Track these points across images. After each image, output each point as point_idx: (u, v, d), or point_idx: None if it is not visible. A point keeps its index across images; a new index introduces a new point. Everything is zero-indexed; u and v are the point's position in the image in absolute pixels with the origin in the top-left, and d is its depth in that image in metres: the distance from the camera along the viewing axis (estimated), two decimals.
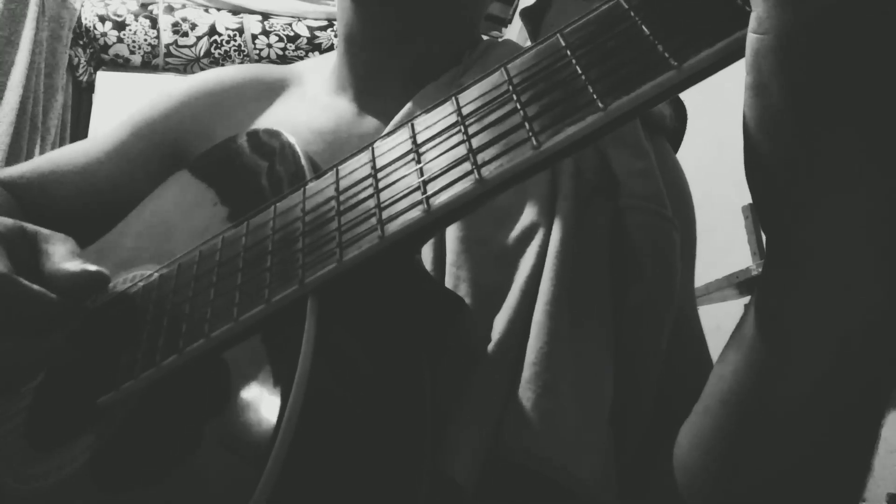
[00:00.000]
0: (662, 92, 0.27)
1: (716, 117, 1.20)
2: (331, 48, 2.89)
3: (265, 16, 2.84)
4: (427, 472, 0.32)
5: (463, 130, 0.31)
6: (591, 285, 0.46)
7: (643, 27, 0.28)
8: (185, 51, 2.81)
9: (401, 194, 0.32)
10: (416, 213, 0.31)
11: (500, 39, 0.68)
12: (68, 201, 0.62)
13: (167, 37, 2.77)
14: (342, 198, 0.35)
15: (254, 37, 2.82)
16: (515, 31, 2.71)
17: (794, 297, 0.29)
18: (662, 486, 0.41)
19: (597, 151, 0.52)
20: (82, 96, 2.81)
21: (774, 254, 0.30)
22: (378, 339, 0.36)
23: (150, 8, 2.75)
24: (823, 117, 0.24)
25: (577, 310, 0.44)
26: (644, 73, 0.27)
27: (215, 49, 2.81)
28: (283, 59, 2.86)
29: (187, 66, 2.86)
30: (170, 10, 2.76)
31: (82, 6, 2.68)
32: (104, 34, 2.76)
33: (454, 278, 0.44)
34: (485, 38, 0.65)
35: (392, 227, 0.31)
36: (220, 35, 2.80)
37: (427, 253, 0.46)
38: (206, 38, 2.79)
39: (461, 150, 0.31)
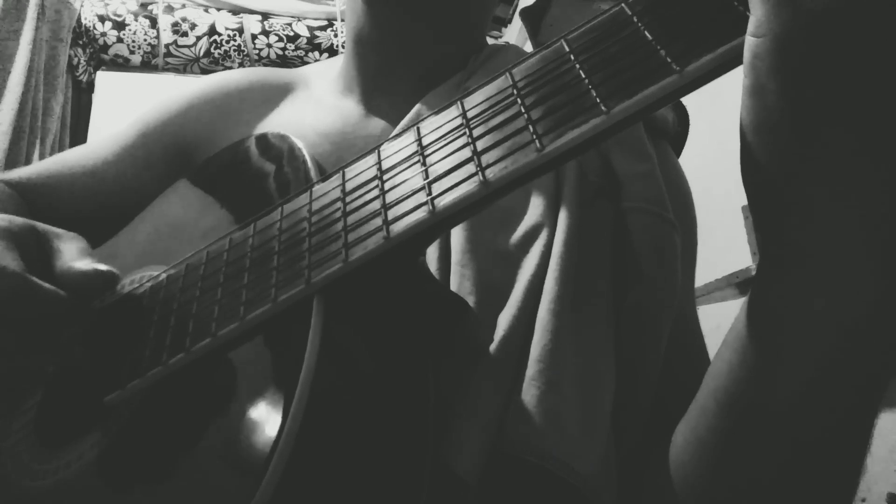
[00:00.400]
0: (664, 96, 0.27)
1: (716, 118, 1.20)
2: (331, 48, 2.89)
3: (265, 16, 2.83)
4: (430, 472, 0.32)
5: (468, 133, 0.32)
6: (593, 285, 0.46)
7: (646, 33, 0.28)
8: (185, 51, 2.81)
9: (406, 196, 0.33)
10: (421, 214, 0.31)
11: (500, 40, 0.69)
12: (77, 203, 0.62)
13: (167, 37, 2.77)
14: (348, 199, 0.35)
15: (253, 37, 2.82)
16: (515, 31, 2.71)
17: (787, 298, 0.29)
18: (657, 485, 0.41)
19: (600, 154, 0.52)
20: (82, 96, 2.81)
21: (768, 254, 0.30)
22: (382, 340, 0.36)
23: (149, 8, 2.75)
24: (819, 119, 0.24)
25: (580, 309, 0.44)
26: (646, 77, 0.27)
27: (215, 49, 2.81)
28: (283, 59, 2.86)
29: (187, 65, 2.86)
30: (169, 9, 2.76)
31: (82, 6, 2.68)
32: (104, 34, 2.75)
33: (459, 277, 0.45)
34: (488, 41, 0.66)
35: (397, 227, 0.32)
36: (219, 35, 2.80)
37: (432, 252, 0.47)
38: (205, 38, 2.79)
39: (466, 153, 0.31)
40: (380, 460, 0.32)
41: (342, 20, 0.62)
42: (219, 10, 2.81)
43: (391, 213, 0.32)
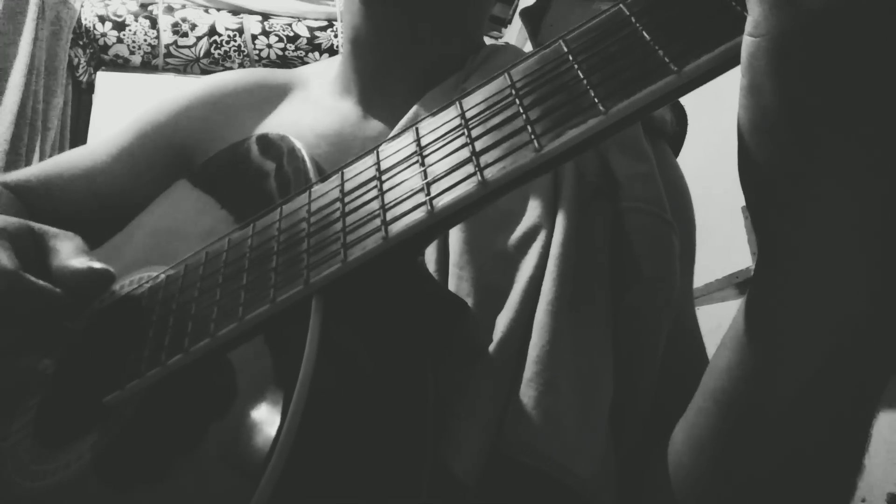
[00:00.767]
0: (663, 96, 0.27)
1: (715, 118, 1.20)
2: (331, 48, 2.89)
3: (265, 16, 2.84)
4: (429, 472, 0.32)
5: (466, 133, 0.32)
6: (591, 286, 0.46)
7: (644, 33, 0.28)
8: (185, 51, 2.81)
9: (405, 196, 0.33)
10: (419, 214, 0.31)
11: (499, 40, 0.69)
12: (74, 204, 0.62)
13: (167, 37, 2.77)
14: (347, 199, 0.35)
15: (253, 37, 2.82)
16: (515, 31, 2.71)
17: (784, 298, 0.29)
18: (656, 485, 0.41)
19: (598, 155, 0.52)
20: (82, 96, 2.81)
21: (765, 254, 0.30)
22: (381, 340, 0.36)
23: (149, 8, 2.75)
24: (816, 121, 0.24)
25: (578, 310, 0.44)
26: (645, 77, 0.27)
27: (215, 49, 2.81)
28: (283, 60, 2.86)
29: (187, 66, 2.86)
30: (170, 10, 2.76)
31: (82, 6, 2.68)
32: (104, 34, 2.76)
33: (457, 278, 0.45)
34: (485, 39, 0.66)
35: (396, 228, 0.32)
36: (219, 35, 2.80)
37: (430, 254, 0.47)
38: (205, 39, 2.79)
39: (464, 153, 0.31)
40: (379, 460, 0.32)
41: (342, 21, 0.62)
42: (219, 10, 2.81)
43: (390, 214, 0.32)
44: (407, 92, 0.58)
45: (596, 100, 0.28)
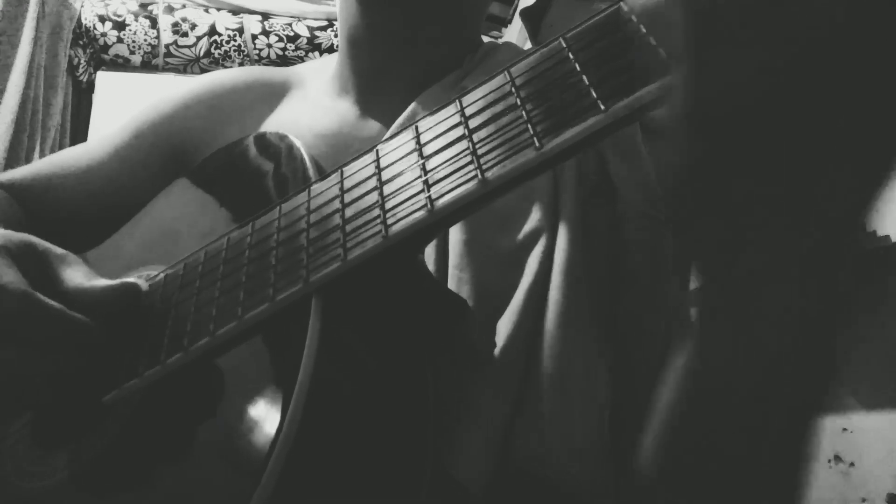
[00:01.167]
0: (663, 94, 0.27)
1: None
2: (331, 48, 2.89)
3: (265, 16, 2.83)
4: (430, 471, 0.32)
5: (466, 132, 0.32)
6: (595, 292, 0.46)
7: (643, 30, 0.28)
8: (185, 51, 2.81)
9: (404, 195, 0.32)
10: (419, 213, 0.31)
11: (499, 40, 0.68)
12: (71, 203, 0.62)
13: (167, 37, 2.77)
14: (346, 198, 0.35)
15: (254, 37, 2.82)
16: (515, 32, 2.71)
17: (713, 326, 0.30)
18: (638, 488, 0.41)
19: (597, 153, 0.52)
20: (82, 96, 2.81)
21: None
22: (381, 339, 0.36)
23: (149, 8, 2.75)
24: (713, 186, 0.24)
25: (584, 318, 0.44)
26: (645, 75, 0.27)
27: (215, 49, 2.81)
28: (283, 59, 2.86)
29: (187, 66, 2.86)
30: (170, 10, 2.76)
31: (82, 6, 2.68)
32: (104, 34, 2.75)
33: (456, 280, 0.45)
34: (485, 39, 0.66)
35: (396, 226, 0.32)
36: (219, 35, 2.80)
37: (430, 255, 0.47)
38: (205, 39, 2.79)
39: (465, 152, 0.31)
40: (378, 459, 0.32)
41: (339, 19, 0.62)
42: (219, 10, 2.81)
43: (389, 213, 0.32)
44: (404, 91, 0.57)
45: (596, 98, 0.28)
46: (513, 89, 0.31)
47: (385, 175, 0.34)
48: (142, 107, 0.67)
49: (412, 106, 0.54)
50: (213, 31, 2.78)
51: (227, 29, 2.80)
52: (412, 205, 0.32)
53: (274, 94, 0.64)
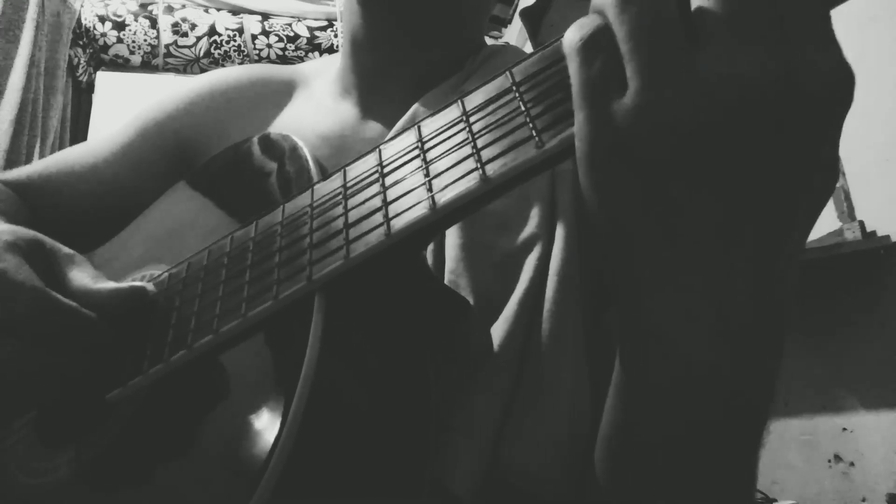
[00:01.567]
0: None
1: None
2: (331, 48, 2.89)
3: (265, 16, 2.84)
4: (431, 470, 0.32)
5: (468, 131, 0.32)
6: (588, 300, 0.47)
7: None
8: (185, 51, 2.81)
9: (407, 193, 0.33)
10: (421, 210, 0.31)
11: (500, 40, 0.69)
12: (76, 201, 0.62)
13: (167, 37, 2.77)
14: (350, 197, 0.35)
15: (253, 37, 2.82)
16: (515, 32, 2.71)
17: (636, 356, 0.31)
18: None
19: None
20: (82, 96, 2.81)
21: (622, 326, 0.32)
22: (384, 336, 0.36)
23: (149, 8, 2.75)
24: (619, 220, 0.26)
25: (577, 327, 0.45)
26: None
27: (215, 49, 2.81)
28: (283, 60, 2.86)
29: (187, 66, 2.86)
30: (169, 10, 2.76)
31: (82, 6, 2.68)
32: (104, 34, 2.76)
33: (453, 285, 0.45)
34: (488, 41, 0.66)
35: (398, 224, 0.32)
36: (219, 35, 2.80)
37: (427, 259, 0.47)
38: (205, 39, 2.79)
39: (467, 150, 0.31)
40: (380, 458, 0.32)
41: (342, 20, 0.62)
42: (219, 10, 2.81)
43: (392, 210, 0.32)
44: (406, 94, 0.58)
45: None
46: (514, 89, 0.31)
47: (388, 175, 0.35)
48: (146, 105, 0.67)
49: (414, 108, 0.54)
50: (212, 31, 2.78)
51: (226, 29, 2.80)
52: (415, 203, 0.32)
53: (278, 93, 0.64)
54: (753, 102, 0.22)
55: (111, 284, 0.39)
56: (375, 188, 0.35)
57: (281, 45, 2.85)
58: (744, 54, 0.23)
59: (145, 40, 2.77)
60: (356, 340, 0.35)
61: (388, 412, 0.33)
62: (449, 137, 0.33)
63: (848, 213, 1.55)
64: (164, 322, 0.38)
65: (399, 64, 0.59)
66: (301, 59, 2.85)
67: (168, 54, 2.81)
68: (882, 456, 1.44)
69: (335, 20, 2.84)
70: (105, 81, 2.83)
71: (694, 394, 0.29)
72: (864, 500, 1.46)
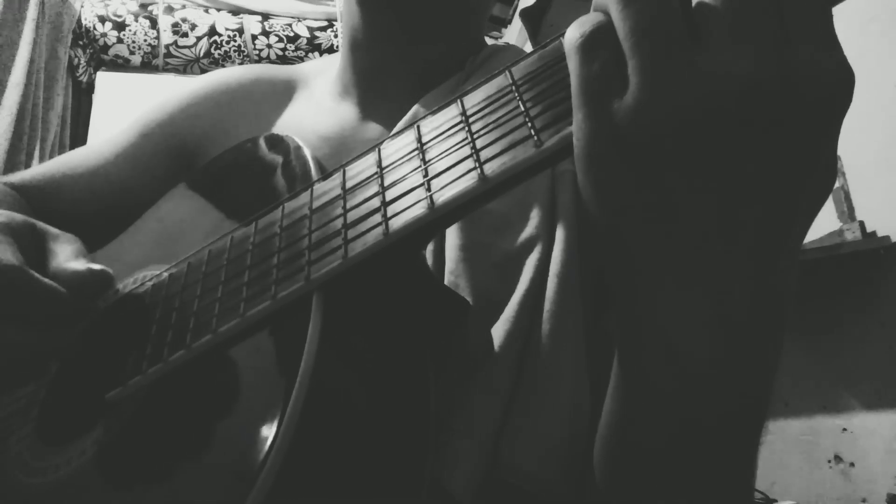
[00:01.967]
0: None
1: None
2: (331, 48, 2.89)
3: (265, 16, 2.84)
4: (430, 471, 0.32)
5: (467, 130, 0.32)
6: (588, 302, 0.47)
7: None
8: (185, 51, 2.81)
9: (405, 192, 0.33)
10: (420, 210, 0.31)
11: (500, 40, 0.69)
12: (78, 203, 0.62)
13: (167, 37, 2.77)
14: (349, 196, 0.35)
15: (254, 37, 2.82)
16: (515, 32, 2.71)
17: (633, 359, 0.31)
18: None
19: None
20: (82, 97, 2.81)
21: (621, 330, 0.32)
22: (383, 337, 0.36)
23: (149, 8, 2.75)
24: (618, 217, 0.26)
25: (577, 328, 0.45)
26: None
27: (215, 49, 2.82)
28: (283, 60, 2.86)
29: (187, 66, 2.86)
30: (170, 10, 2.76)
31: (82, 6, 2.68)
32: (104, 35, 2.76)
33: (453, 286, 0.45)
34: (488, 41, 0.66)
35: (396, 223, 0.32)
36: (219, 35, 2.80)
37: (427, 260, 0.47)
38: (205, 39, 2.79)
39: (465, 149, 0.31)
40: (379, 458, 0.32)
41: (342, 21, 0.63)
42: (219, 10, 2.81)
43: (390, 210, 0.32)
44: (406, 94, 0.58)
45: None
46: (514, 88, 0.31)
47: (387, 174, 0.35)
48: (148, 106, 0.67)
49: (414, 109, 0.54)
50: (212, 31, 2.79)
51: (227, 29, 2.80)
52: (413, 203, 0.32)
53: (279, 93, 0.64)
54: (753, 101, 0.22)
55: (75, 265, 0.39)
56: (374, 188, 0.35)
57: (281, 45, 2.85)
58: (744, 53, 0.23)
59: (145, 40, 2.77)
60: (355, 340, 0.35)
61: (387, 412, 0.33)
62: (448, 137, 0.33)
63: (848, 213, 1.55)
64: (165, 322, 0.38)
65: (399, 64, 0.59)
66: (301, 60, 2.85)
67: (168, 54, 2.81)
68: (882, 456, 1.44)
69: (335, 20, 2.84)
70: (105, 82, 2.83)
71: (693, 392, 0.29)
72: (864, 500, 1.46)
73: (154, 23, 2.75)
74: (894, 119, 1.44)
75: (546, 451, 0.41)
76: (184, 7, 2.78)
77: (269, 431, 0.28)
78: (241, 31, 2.81)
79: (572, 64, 0.26)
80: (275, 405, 0.29)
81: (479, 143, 0.31)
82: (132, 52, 2.81)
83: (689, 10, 0.24)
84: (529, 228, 0.48)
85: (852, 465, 1.51)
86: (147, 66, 2.86)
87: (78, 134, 2.73)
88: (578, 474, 0.41)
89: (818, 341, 1.59)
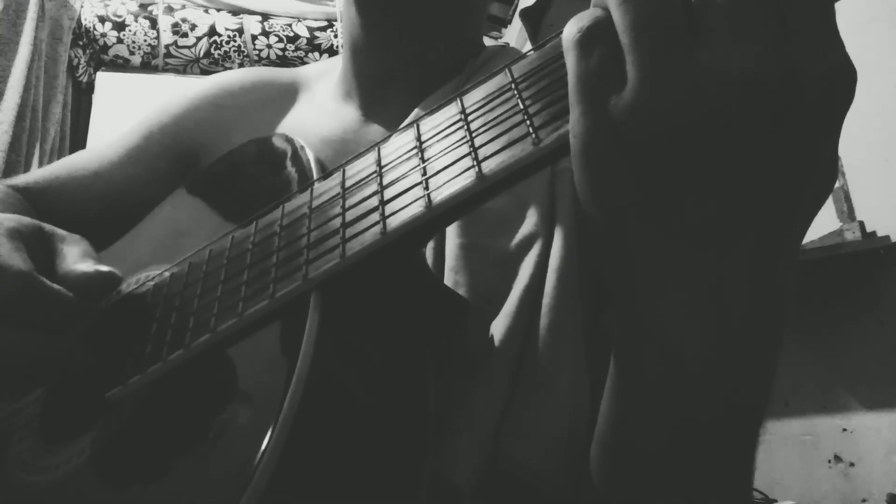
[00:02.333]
0: None
1: None
2: (331, 49, 2.89)
3: (265, 16, 2.84)
4: (430, 470, 0.32)
5: (466, 128, 0.32)
6: (588, 299, 0.47)
7: None
8: (185, 51, 2.81)
9: (403, 191, 0.33)
10: (418, 208, 0.31)
11: (499, 40, 0.69)
12: (82, 205, 0.63)
13: (167, 37, 2.77)
14: (348, 195, 0.35)
15: (253, 37, 2.82)
16: (515, 32, 2.71)
17: (631, 360, 0.31)
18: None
19: None
20: (82, 97, 2.81)
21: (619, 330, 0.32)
22: (382, 336, 0.36)
23: (149, 8, 2.75)
24: (614, 206, 0.26)
25: (577, 324, 0.45)
26: None
27: (215, 50, 2.82)
28: (283, 60, 2.86)
29: (187, 66, 2.86)
30: (169, 10, 2.76)
31: (82, 7, 2.68)
32: (104, 35, 2.76)
33: (453, 283, 0.45)
34: (487, 43, 0.66)
35: (394, 222, 0.32)
36: (219, 36, 2.80)
37: (427, 259, 0.47)
38: (205, 39, 2.79)
39: (463, 148, 0.31)
40: (377, 457, 0.32)
41: (342, 21, 0.63)
42: (219, 10, 2.81)
43: (388, 209, 0.32)
44: (406, 97, 0.58)
45: None
46: (513, 86, 0.31)
47: (386, 173, 0.35)
48: (150, 109, 0.67)
49: (415, 112, 0.55)
50: (212, 31, 2.79)
51: (226, 29, 2.80)
52: (411, 201, 0.32)
53: (282, 96, 0.65)
54: (754, 98, 0.22)
55: (83, 266, 0.39)
56: (373, 187, 0.34)
57: (281, 45, 2.85)
58: (745, 49, 0.22)
59: (145, 41, 2.77)
60: (353, 339, 0.35)
61: (385, 411, 0.33)
62: (447, 135, 0.33)
63: (848, 213, 1.55)
64: (165, 321, 0.39)
65: (399, 68, 0.59)
66: (301, 60, 2.85)
67: (168, 55, 2.81)
68: (882, 456, 1.44)
69: (335, 20, 2.84)
70: (105, 82, 2.83)
71: (691, 392, 0.29)
72: (864, 500, 1.45)
73: (154, 23, 2.75)
74: (894, 119, 1.44)
75: (545, 444, 0.41)
76: (184, 7, 2.78)
77: (265, 430, 0.28)
78: (240, 31, 2.81)
79: (570, 59, 0.26)
80: (272, 404, 0.29)
81: (477, 142, 0.31)
82: (132, 53, 2.81)
83: (689, 5, 0.24)
84: (529, 226, 0.48)
85: (852, 465, 1.51)
86: (147, 67, 2.86)
87: (78, 134, 2.73)
88: (577, 469, 0.41)
89: (818, 341, 1.59)
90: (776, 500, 1.59)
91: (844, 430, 1.54)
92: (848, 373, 1.55)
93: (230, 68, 2.71)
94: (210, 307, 0.36)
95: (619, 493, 0.35)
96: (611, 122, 0.24)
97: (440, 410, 0.37)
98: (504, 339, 0.43)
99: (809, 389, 1.62)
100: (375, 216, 0.33)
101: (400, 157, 0.35)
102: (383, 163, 0.35)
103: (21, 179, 0.64)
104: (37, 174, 0.65)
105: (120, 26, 2.74)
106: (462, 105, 0.33)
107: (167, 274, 0.42)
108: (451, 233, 0.47)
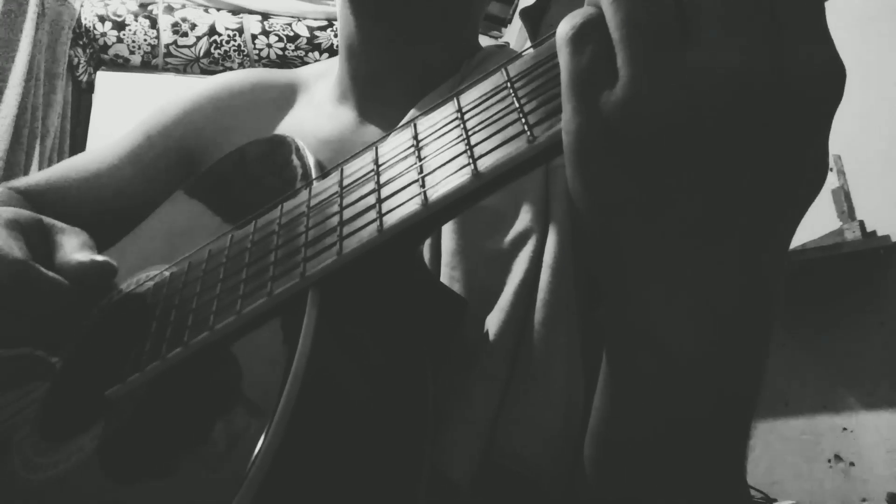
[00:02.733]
0: None
1: None
2: (330, 48, 2.89)
3: (265, 16, 2.84)
4: (428, 467, 0.32)
5: (462, 127, 0.32)
6: (582, 294, 0.47)
7: None
8: (185, 51, 2.81)
9: (400, 189, 0.33)
10: (414, 206, 0.31)
11: (500, 40, 0.69)
12: (83, 207, 0.63)
13: (167, 37, 2.77)
14: (345, 194, 0.36)
15: (253, 37, 2.82)
16: (515, 32, 2.71)
17: (620, 361, 0.31)
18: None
19: None
20: (82, 96, 2.82)
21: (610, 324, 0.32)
22: (380, 334, 0.36)
23: (149, 8, 2.75)
24: (606, 209, 0.26)
25: (571, 318, 0.45)
26: None
27: (215, 49, 2.82)
28: (283, 59, 2.86)
29: (187, 66, 2.86)
30: (169, 10, 2.76)
31: (82, 6, 2.68)
32: (104, 34, 2.76)
33: (449, 279, 0.45)
34: (485, 40, 0.66)
35: (391, 220, 0.32)
36: (219, 35, 2.80)
37: (424, 255, 0.47)
38: (205, 39, 2.80)
39: (459, 146, 0.31)
40: (375, 451, 0.32)
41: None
42: (219, 10, 2.81)
43: (385, 207, 0.33)
44: (403, 98, 0.58)
45: None
46: (509, 85, 0.31)
47: (383, 172, 0.35)
48: (150, 110, 0.68)
49: (411, 113, 0.55)
50: (212, 31, 2.79)
51: (226, 29, 2.80)
52: (407, 199, 0.32)
53: (280, 97, 0.65)
54: (745, 95, 0.22)
55: (79, 256, 0.39)
56: (371, 185, 0.35)
57: (281, 45, 2.85)
58: (734, 46, 0.23)
59: (145, 40, 2.77)
60: (350, 336, 0.35)
61: (382, 408, 0.33)
62: (443, 134, 0.33)
63: (848, 213, 1.55)
64: (165, 319, 0.39)
65: (395, 69, 0.60)
66: (301, 59, 2.86)
67: (168, 54, 2.81)
68: (882, 456, 1.44)
69: (335, 20, 2.84)
70: (105, 81, 2.83)
71: (682, 388, 0.29)
72: (864, 500, 1.46)
73: (154, 22, 2.75)
74: (894, 119, 1.44)
75: (540, 437, 0.41)
76: (183, 7, 2.78)
77: (262, 427, 0.28)
78: (240, 30, 2.81)
79: (562, 56, 0.26)
80: (270, 401, 0.29)
81: (473, 140, 0.31)
82: (132, 52, 2.81)
83: (681, 4, 0.24)
84: (523, 223, 0.48)
85: (852, 464, 1.51)
86: (147, 66, 2.87)
87: (78, 133, 2.73)
88: (573, 461, 0.41)
89: (818, 341, 1.60)
90: (776, 500, 1.59)
91: (844, 429, 1.55)
92: (848, 373, 1.55)
93: (230, 68, 2.72)
94: (209, 305, 0.37)
95: (612, 487, 0.36)
96: (602, 119, 0.24)
97: (437, 403, 0.37)
98: (499, 333, 0.43)
99: (809, 389, 1.62)
100: (372, 214, 0.33)
101: (397, 155, 0.35)
102: (381, 161, 0.36)
103: (21, 182, 0.64)
104: (37, 177, 0.66)
105: (120, 26, 2.74)
106: (459, 104, 0.34)
107: (167, 273, 0.43)
108: (448, 230, 0.48)
